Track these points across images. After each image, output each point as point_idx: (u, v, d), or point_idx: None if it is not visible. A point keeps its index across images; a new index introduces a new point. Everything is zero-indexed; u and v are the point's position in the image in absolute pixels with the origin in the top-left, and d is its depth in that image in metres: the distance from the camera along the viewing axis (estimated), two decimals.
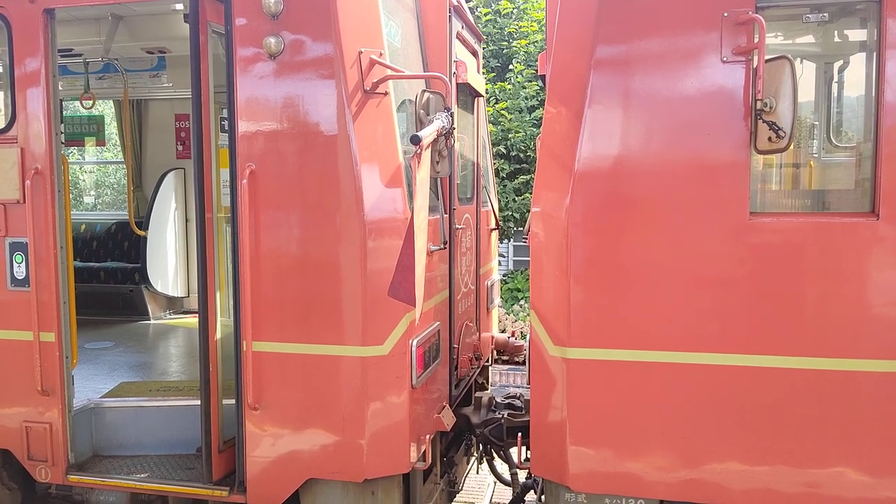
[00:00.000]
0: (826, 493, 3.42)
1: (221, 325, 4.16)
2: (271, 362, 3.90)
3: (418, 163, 3.39)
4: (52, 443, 4.34)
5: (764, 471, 3.46)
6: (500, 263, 11.16)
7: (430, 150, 3.54)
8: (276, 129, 3.82)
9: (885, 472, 3.35)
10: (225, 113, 4.06)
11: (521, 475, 5.45)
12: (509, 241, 15.77)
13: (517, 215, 14.34)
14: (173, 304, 8.01)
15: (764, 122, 3.21)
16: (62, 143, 4.36)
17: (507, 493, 6.15)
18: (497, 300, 7.05)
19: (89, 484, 4.37)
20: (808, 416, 3.41)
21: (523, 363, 9.80)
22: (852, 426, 3.37)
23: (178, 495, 4.33)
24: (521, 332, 11.30)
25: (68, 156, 4.42)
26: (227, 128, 4.01)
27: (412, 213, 3.35)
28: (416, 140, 3.36)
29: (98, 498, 4.60)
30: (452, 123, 3.77)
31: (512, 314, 12.94)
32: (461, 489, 5.69)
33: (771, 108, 3.19)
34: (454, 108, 4.03)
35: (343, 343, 3.81)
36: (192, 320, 7.55)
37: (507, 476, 5.62)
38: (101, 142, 8.86)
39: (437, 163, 3.76)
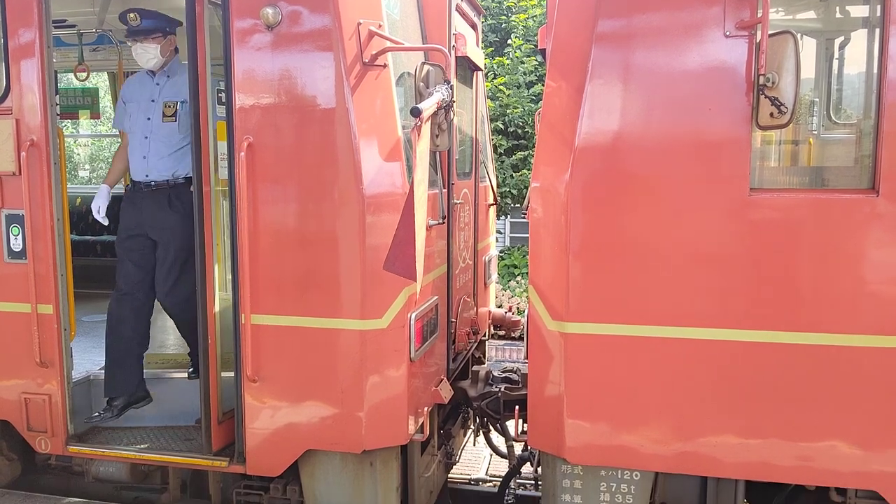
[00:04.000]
0: (819, 466, 3.46)
1: (220, 298, 4.17)
2: (270, 335, 3.92)
3: (418, 135, 3.37)
4: (52, 414, 4.36)
5: (759, 444, 3.50)
6: (497, 240, 11.18)
7: (429, 123, 3.52)
8: (274, 102, 3.79)
9: (878, 445, 3.40)
10: (222, 85, 4.03)
11: (518, 447, 5.51)
12: (507, 217, 15.77)
13: (515, 191, 14.33)
14: None
15: (766, 97, 3.19)
16: (57, 114, 4.32)
17: (503, 465, 6.23)
18: (494, 276, 7.06)
19: (89, 455, 4.40)
20: (804, 391, 3.44)
21: (520, 338, 9.86)
22: (847, 400, 3.41)
23: (178, 466, 4.37)
24: (518, 308, 11.35)
25: (63, 129, 4.41)
26: (224, 100, 3.98)
27: (412, 187, 3.34)
28: (416, 112, 3.34)
29: (98, 469, 4.64)
30: (452, 96, 3.75)
31: (508, 290, 12.97)
32: (458, 461, 5.76)
33: (773, 83, 3.17)
34: (453, 82, 4.00)
35: (342, 316, 3.82)
36: None
37: (503, 448, 5.69)
38: (95, 115, 8.77)
39: (437, 136, 3.74)
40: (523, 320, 6.69)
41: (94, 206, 4.53)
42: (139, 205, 4.56)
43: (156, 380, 4.70)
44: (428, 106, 3.44)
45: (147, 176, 4.50)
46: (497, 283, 12.71)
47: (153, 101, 4.53)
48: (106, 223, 4.56)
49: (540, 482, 4.26)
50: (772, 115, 3.19)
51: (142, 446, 4.34)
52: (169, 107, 4.48)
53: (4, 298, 4.37)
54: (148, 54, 4.47)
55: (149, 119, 4.50)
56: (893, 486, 3.41)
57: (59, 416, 4.37)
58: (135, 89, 4.64)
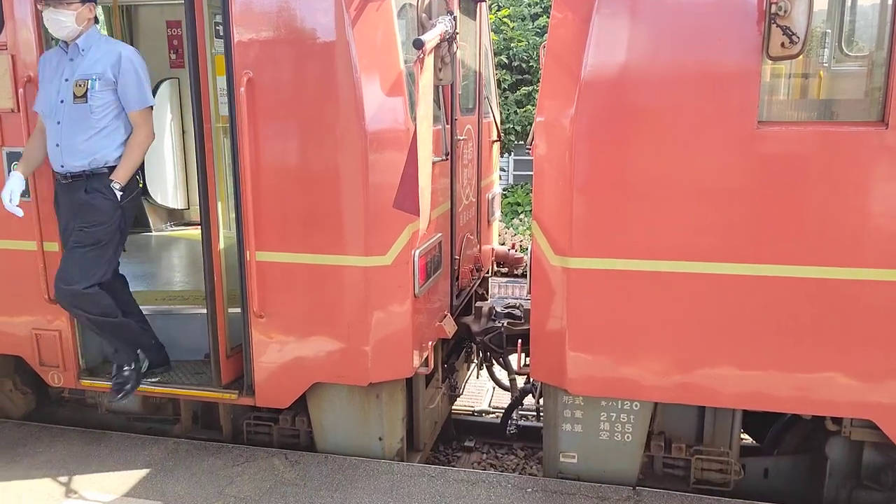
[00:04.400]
0: (817, 396, 3.54)
1: (224, 236, 4.18)
2: (275, 271, 3.95)
3: (421, 68, 3.31)
4: (63, 349, 4.45)
5: (757, 375, 3.57)
6: (500, 178, 11.09)
7: (432, 56, 3.45)
8: (274, 36, 3.71)
9: (875, 377, 3.46)
10: (219, 18, 3.93)
11: (520, 381, 5.63)
12: (510, 154, 15.62)
13: (518, 128, 14.13)
14: (174, 216, 8.01)
15: (778, 26, 3.11)
16: None
17: (505, 398, 6.37)
18: (497, 213, 7.05)
19: (101, 388, 4.51)
20: (804, 324, 3.48)
21: (522, 276, 9.91)
22: (847, 333, 3.45)
23: (189, 398, 4.48)
24: (521, 246, 11.39)
25: None
26: (222, 34, 3.89)
27: (416, 123, 3.30)
28: (419, 44, 3.27)
29: (111, 401, 4.76)
30: (455, 28, 3.66)
31: (511, 228, 12.98)
32: (462, 394, 5.90)
33: (786, 12, 3.08)
34: (456, 13, 3.90)
35: (346, 253, 3.85)
36: (194, 232, 7.56)
37: (505, 382, 5.81)
38: None
39: (440, 69, 3.67)
40: (526, 258, 6.72)
41: (4, 195, 4.01)
42: (59, 198, 4.17)
43: (163, 315, 4.76)
44: (431, 38, 3.36)
45: (62, 166, 4.01)
46: (500, 220, 12.70)
47: (66, 80, 3.97)
48: (21, 214, 4.04)
49: (541, 413, 4.37)
50: (783, 45, 3.12)
51: (153, 379, 4.44)
52: (80, 86, 3.93)
53: (10, 236, 4.39)
54: (61, 22, 3.89)
55: (62, 102, 3.96)
56: (889, 415, 3.49)
57: (69, 350, 4.45)
58: (48, 66, 4.07)
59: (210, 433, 4.76)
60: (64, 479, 4.03)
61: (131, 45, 7.87)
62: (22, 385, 5.03)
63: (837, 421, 3.80)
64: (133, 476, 4.04)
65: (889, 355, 3.42)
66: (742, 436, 4.36)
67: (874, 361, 3.45)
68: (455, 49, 3.76)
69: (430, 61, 3.39)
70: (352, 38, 3.61)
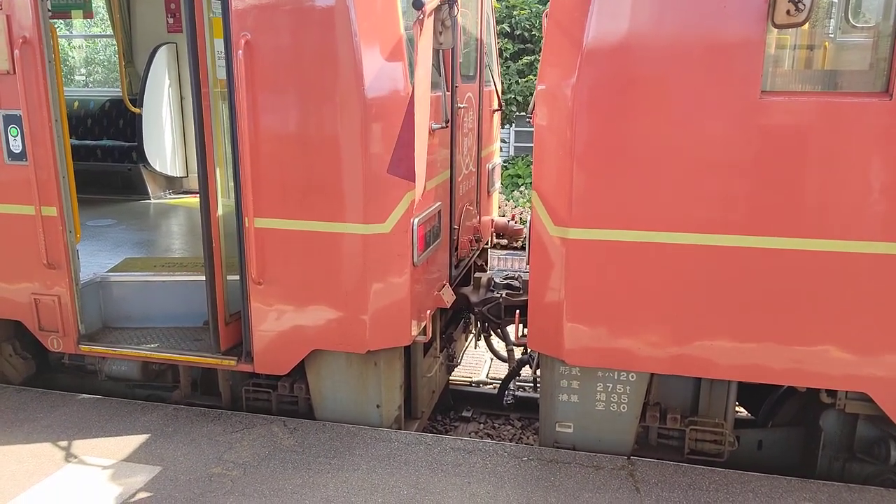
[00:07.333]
0: (812, 369, 3.55)
1: (223, 203, 4.16)
2: (273, 238, 3.94)
3: (420, 31, 3.26)
4: (62, 314, 4.46)
5: (753, 347, 3.58)
6: (501, 149, 10.99)
7: (432, 18, 3.40)
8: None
9: (870, 350, 3.47)
10: None
11: (517, 352, 5.66)
12: (511, 125, 15.50)
13: (520, 98, 14.00)
14: (172, 184, 7.99)
15: None
16: (49, 10, 4.18)
17: (502, 369, 6.41)
18: (497, 184, 7.02)
19: (100, 353, 4.53)
20: (800, 296, 3.48)
21: (522, 248, 9.91)
22: (843, 306, 3.45)
23: (188, 364, 4.50)
24: (521, 218, 11.36)
25: (56, 28, 4.27)
26: None
27: (413, 87, 3.26)
28: (419, 4, 3.22)
29: (111, 367, 4.79)
30: None
31: (512, 200, 12.93)
32: (459, 363, 5.93)
33: None
34: None
35: (344, 220, 3.83)
36: (193, 200, 7.55)
37: (503, 352, 5.83)
38: (88, 14, 8.48)
39: (440, 33, 3.62)
40: (526, 229, 6.70)
41: None
42: None
43: (162, 283, 4.76)
44: None
45: None
46: (500, 193, 12.64)
47: None
48: None
49: (538, 384, 4.40)
50: (788, 12, 3.07)
51: (152, 345, 4.45)
52: None
53: (8, 200, 4.37)
54: None
55: None
56: (883, 388, 3.50)
57: (69, 316, 4.46)
58: None
59: (209, 400, 4.79)
60: (64, 443, 4.06)
61: (128, 9, 7.83)
62: (22, 350, 5.05)
63: (832, 394, 3.82)
64: (133, 441, 4.07)
65: (885, 329, 3.43)
66: (736, 408, 4.39)
67: (870, 334, 3.45)
68: (456, 12, 3.70)
69: (430, 24, 3.34)
70: (351, 2, 3.55)
